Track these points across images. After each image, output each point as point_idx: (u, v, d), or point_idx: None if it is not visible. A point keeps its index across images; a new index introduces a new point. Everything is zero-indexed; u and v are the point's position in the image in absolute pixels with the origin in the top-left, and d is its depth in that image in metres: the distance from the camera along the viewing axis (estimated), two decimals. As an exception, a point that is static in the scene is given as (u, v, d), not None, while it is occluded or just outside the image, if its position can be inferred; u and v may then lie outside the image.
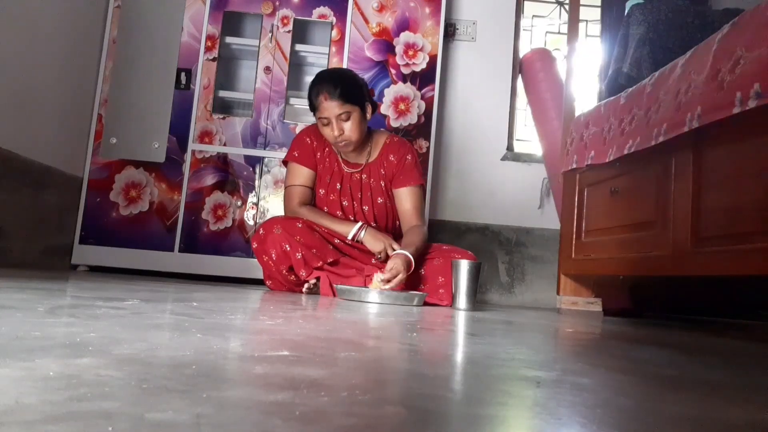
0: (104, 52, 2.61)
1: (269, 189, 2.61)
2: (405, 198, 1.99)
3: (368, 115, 1.94)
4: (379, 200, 2.01)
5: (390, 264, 1.72)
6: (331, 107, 1.84)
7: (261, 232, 1.89)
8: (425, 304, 1.76)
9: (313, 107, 1.88)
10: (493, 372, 0.58)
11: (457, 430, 0.34)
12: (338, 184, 1.99)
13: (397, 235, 2.06)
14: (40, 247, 2.32)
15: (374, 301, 1.62)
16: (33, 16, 2.17)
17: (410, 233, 1.92)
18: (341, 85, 1.85)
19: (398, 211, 2.01)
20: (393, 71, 2.72)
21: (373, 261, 1.91)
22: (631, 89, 1.85)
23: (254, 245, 1.91)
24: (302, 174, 2.00)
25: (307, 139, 2.02)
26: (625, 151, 1.75)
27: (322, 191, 2.02)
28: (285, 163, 2.06)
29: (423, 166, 2.56)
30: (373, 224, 2.00)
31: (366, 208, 2.00)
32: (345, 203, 2.00)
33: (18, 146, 2.11)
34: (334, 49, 2.69)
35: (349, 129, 1.87)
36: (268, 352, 0.56)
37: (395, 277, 1.69)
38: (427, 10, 2.75)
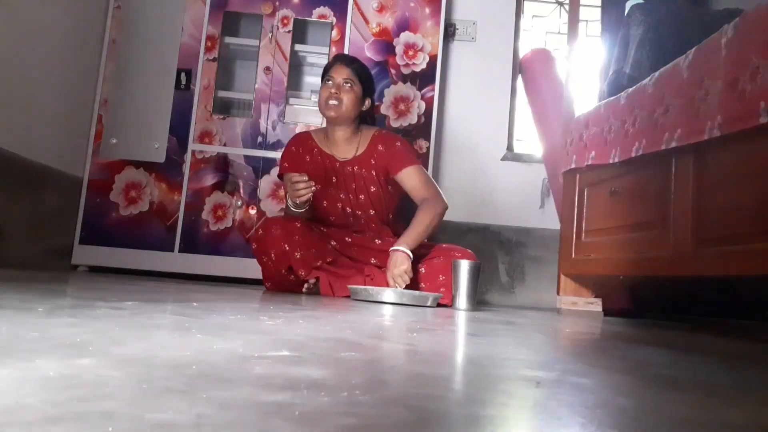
0: (104, 52, 2.61)
1: (269, 189, 2.61)
2: (406, 179, 1.98)
3: (364, 106, 2.01)
4: (372, 189, 2.02)
5: (389, 263, 1.75)
6: (341, 70, 1.97)
7: (260, 232, 1.90)
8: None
9: (325, 72, 2.02)
10: (493, 372, 0.58)
11: (457, 430, 0.34)
12: (334, 177, 2.02)
13: (397, 227, 2.06)
14: (41, 248, 2.32)
15: (388, 301, 1.62)
16: (33, 16, 2.17)
17: (418, 212, 1.90)
18: (357, 62, 2.04)
19: (410, 195, 2.00)
20: (393, 71, 2.72)
21: (372, 261, 1.92)
22: (630, 89, 1.84)
23: (254, 245, 1.92)
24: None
25: (293, 149, 2.07)
26: (633, 154, 1.74)
27: (319, 186, 2.02)
28: (280, 176, 2.10)
29: (423, 166, 2.54)
30: (372, 212, 2.02)
31: (362, 196, 2.01)
32: (342, 196, 2.02)
33: (18, 147, 2.11)
34: (334, 49, 2.69)
35: (345, 95, 1.95)
36: (268, 352, 0.56)
37: (399, 274, 1.72)
38: (427, 10, 2.75)
